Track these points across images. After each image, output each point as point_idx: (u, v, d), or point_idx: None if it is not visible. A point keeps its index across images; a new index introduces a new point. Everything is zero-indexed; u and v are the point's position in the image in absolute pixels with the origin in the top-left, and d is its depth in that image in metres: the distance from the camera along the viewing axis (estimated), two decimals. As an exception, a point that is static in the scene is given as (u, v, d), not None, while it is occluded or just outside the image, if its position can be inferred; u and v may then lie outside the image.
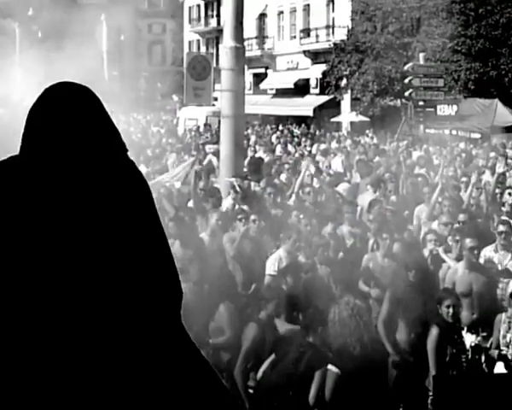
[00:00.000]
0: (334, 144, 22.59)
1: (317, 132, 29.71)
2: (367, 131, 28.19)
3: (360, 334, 5.58)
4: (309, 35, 42.84)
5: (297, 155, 18.31)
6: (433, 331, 6.13)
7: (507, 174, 13.38)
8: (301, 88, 41.91)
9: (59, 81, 2.35)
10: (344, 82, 35.76)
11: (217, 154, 13.47)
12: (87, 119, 2.27)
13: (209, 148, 17.01)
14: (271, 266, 7.68)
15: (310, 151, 20.12)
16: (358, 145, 20.09)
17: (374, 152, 17.40)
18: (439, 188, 10.03)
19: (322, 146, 20.80)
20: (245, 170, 12.24)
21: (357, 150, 18.43)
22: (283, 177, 12.99)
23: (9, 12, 44.38)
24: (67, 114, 2.24)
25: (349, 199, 10.44)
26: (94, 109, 2.31)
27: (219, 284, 6.68)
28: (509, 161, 15.52)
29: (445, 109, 27.15)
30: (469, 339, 6.89)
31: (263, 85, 45.99)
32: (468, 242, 7.41)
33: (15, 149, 2.29)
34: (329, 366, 5.48)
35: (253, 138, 23.89)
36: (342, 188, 11.31)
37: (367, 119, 34.68)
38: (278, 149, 20.95)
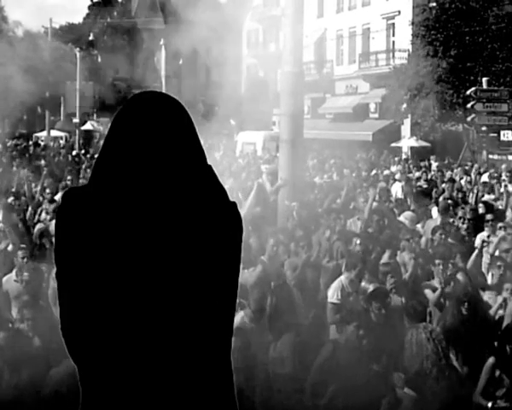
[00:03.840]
0: (393, 169, 22.28)
1: (373, 157, 29.34)
2: (431, 157, 27.68)
3: (437, 358, 5.43)
4: (368, 59, 42.60)
5: (355, 179, 18.05)
6: (490, 360, 6.18)
7: None
8: (360, 112, 41.65)
9: (148, 90, 2.20)
10: (404, 106, 35.36)
11: (272, 173, 13.26)
12: (173, 135, 2.08)
13: (265, 168, 16.82)
14: (334, 294, 7.48)
15: (367, 175, 19.83)
16: (420, 172, 19.84)
17: (440, 179, 17.24)
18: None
19: (386, 172, 20.47)
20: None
21: (416, 176, 18.21)
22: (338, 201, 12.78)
23: (71, 38, 45.50)
24: (153, 128, 2.06)
25: (412, 227, 10.25)
26: (181, 125, 2.12)
27: (281, 311, 6.53)
28: None
29: (508, 135, 26.58)
30: None
31: (321, 110, 45.86)
32: None
33: None
34: (406, 389, 5.36)
35: (310, 163, 23.72)
36: (404, 217, 11.03)
37: (427, 144, 34.18)
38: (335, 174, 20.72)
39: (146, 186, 2.01)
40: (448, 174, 19.25)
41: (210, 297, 2.04)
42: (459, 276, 7.87)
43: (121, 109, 2.14)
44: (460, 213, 10.96)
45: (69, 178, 15.34)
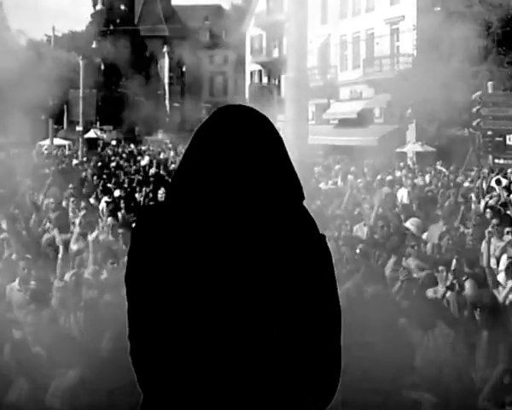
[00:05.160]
0: (398, 174, 22.22)
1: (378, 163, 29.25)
2: (437, 162, 27.59)
3: (454, 362, 5.38)
4: (373, 64, 42.57)
5: (361, 185, 17.98)
6: (499, 367, 6.11)
7: None
8: (365, 118, 41.58)
9: (231, 104, 2.03)
10: (409, 111, 35.27)
11: None
12: (261, 154, 1.91)
13: None
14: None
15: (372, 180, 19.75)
16: (425, 177, 19.78)
17: (447, 184, 17.23)
18: None
19: (389, 177, 20.40)
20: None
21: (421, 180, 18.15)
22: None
23: (74, 45, 45.62)
24: (239, 147, 1.90)
25: (418, 233, 10.19)
26: (270, 144, 1.95)
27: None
28: None
29: (514, 139, 26.56)
30: None
31: (325, 115, 45.81)
32: None
33: None
34: (426, 395, 5.32)
35: (316, 169, 23.68)
36: (410, 223, 10.96)
37: (433, 149, 34.07)
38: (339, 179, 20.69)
39: (229, 211, 1.84)
40: (459, 179, 19.23)
41: (300, 335, 1.83)
42: (467, 283, 7.77)
43: (204, 123, 1.98)
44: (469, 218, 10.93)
45: (72, 186, 15.30)
